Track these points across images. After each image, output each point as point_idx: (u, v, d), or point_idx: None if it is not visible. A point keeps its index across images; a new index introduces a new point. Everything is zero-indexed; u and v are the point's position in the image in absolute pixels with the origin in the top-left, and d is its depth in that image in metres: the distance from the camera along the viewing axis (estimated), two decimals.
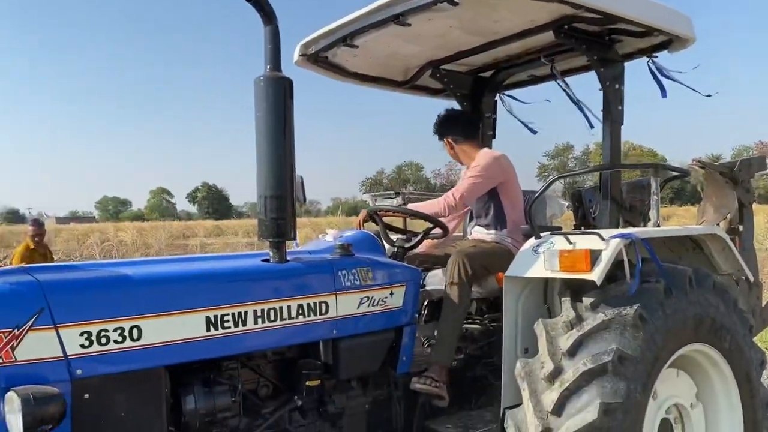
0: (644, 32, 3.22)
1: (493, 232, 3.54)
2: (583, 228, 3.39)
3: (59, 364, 1.99)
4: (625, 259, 2.63)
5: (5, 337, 1.90)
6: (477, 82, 4.19)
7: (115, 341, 2.09)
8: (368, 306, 2.76)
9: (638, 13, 3.07)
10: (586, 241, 2.69)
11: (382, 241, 3.19)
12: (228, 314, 2.34)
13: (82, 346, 2.03)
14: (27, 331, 1.94)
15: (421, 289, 3.21)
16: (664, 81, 3.49)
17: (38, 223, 7.53)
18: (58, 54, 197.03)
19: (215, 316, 2.30)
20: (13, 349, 1.91)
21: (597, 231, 2.73)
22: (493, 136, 4.32)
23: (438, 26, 3.21)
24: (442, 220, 3.37)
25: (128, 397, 2.15)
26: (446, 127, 3.74)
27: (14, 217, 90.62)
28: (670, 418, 3.01)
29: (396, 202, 4.34)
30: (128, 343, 2.12)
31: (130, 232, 31.67)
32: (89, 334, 2.04)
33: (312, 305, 2.56)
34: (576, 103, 3.50)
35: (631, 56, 3.54)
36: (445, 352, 3.06)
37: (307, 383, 2.62)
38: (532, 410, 2.56)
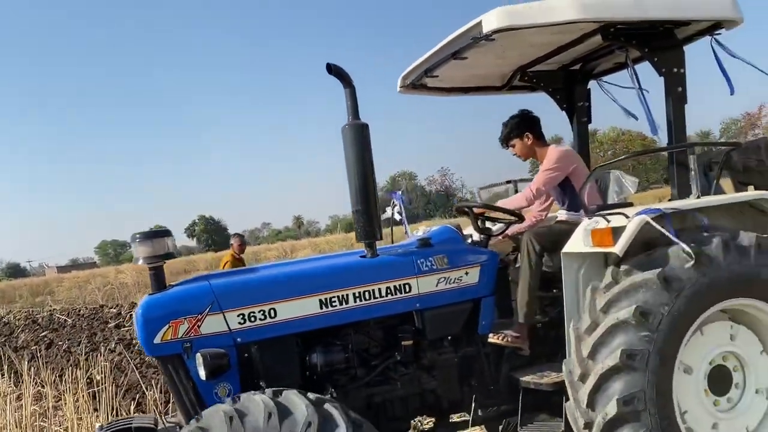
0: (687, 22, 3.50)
1: (572, 212, 4.10)
2: None
3: (227, 335, 3.17)
4: (660, 228, 3.11)
5: (194, 320, 3.12)
6: (567, 75, 4.65)
7: (260, 319, 3.21)
8: (446, 284, 3.59)
9: (669, 12, 3.36)
10: (615, 220, 3.22)
11: (461, 232, 3.95)
12: (334, 296, 3.35)
13: (239, 323, 3.18)
14: (206, 315, 3.13)
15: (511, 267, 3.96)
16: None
17: (241, 238, 9.65)
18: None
19: (325, 298, 3.33)
20: (198, 326, 3.12)
21: (625, 210, 3.25)
22: (589, 121, 4.74)
23: (491, 55, 3.84)
24: (524, 209, 4.03)
25: (272, 355, 3.27)
26: (525, 125, 4.21)
27: (15, 271, 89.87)
28: (729, 366, 3.40)
29: (510, 189, 5.01)
30: (268, 320, 3.23)
31: (130, 274, 32.05)
32: (243, 315, 3.19)
33: (397, 286, 3.47)
34: (640, 89, 3.84)
35: (690, 39, 3.71)
36: (521, 312, 3.72)
37: (403, 343, 3.55)
38: (575, 358, 3.21)
